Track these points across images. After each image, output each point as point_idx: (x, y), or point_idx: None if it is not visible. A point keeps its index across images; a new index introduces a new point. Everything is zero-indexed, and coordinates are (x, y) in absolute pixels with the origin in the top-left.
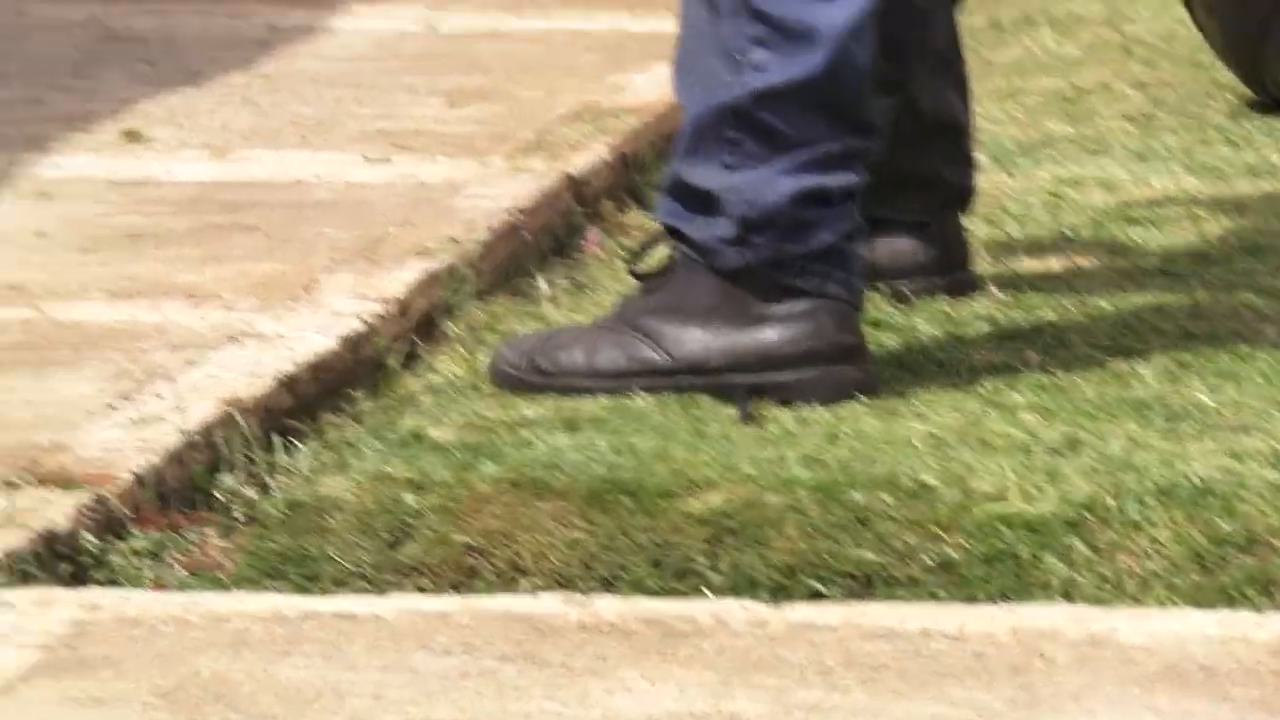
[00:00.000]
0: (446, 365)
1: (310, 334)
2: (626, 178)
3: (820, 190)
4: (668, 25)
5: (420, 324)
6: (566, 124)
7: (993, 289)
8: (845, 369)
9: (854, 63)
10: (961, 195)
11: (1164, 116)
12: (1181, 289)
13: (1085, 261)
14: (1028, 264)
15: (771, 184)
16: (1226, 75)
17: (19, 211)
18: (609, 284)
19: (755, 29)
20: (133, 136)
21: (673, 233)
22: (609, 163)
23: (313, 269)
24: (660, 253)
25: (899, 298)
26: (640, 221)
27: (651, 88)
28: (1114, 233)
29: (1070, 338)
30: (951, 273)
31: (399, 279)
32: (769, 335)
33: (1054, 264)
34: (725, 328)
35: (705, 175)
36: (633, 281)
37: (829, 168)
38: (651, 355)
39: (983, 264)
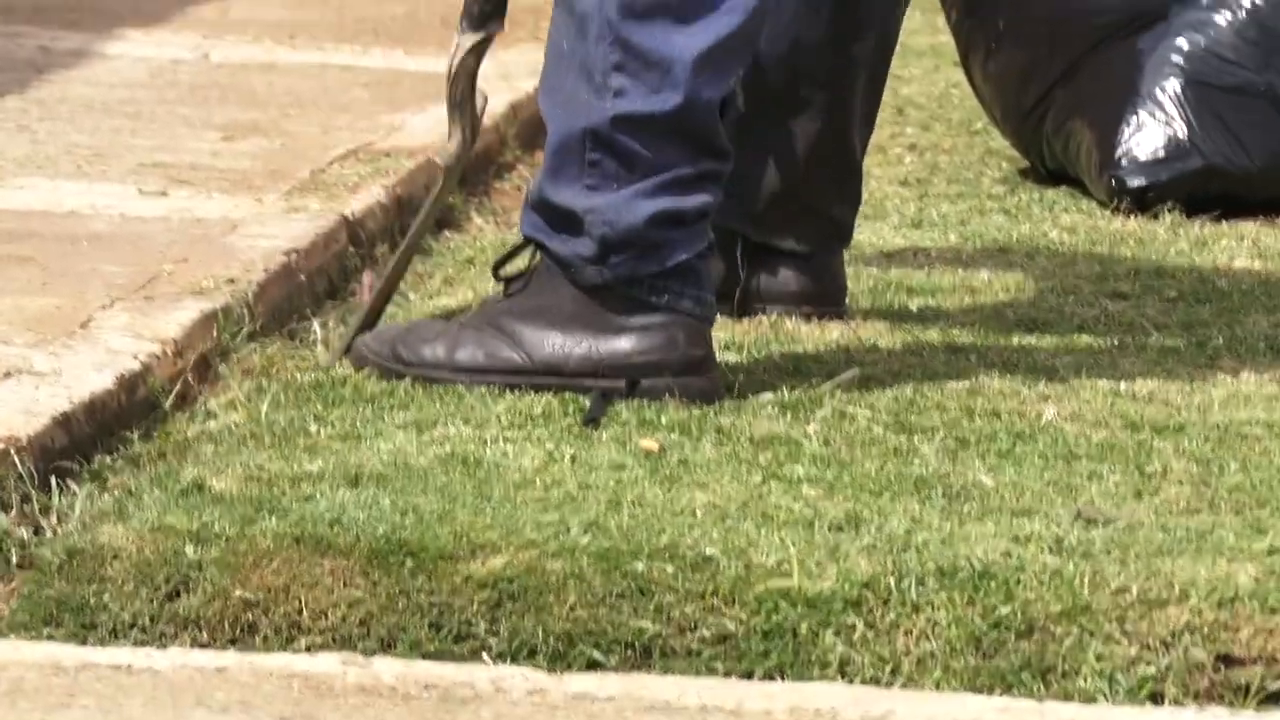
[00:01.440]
0: (224, 411)
1: (87, 372)
2: (401, 220)
3: (676, 212)
4: (443, 65)
5: (196, 365)
6: (342, 164)
7: (775, 357)
8: (693, 379)
9: (708, 92)
10: (844, 232)
11: (939, 183)
12: (961, 364)
13: (865, 332)
14: (808, 333)
15: (630, 206)
16: (1000, 142)
17: None
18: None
19: (617, 55)
20: None
21: (536, 244)
22: (384, 205)
23: (89, 305)
24: (523, 258)
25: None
26: (414, 264)
27: (426, 129)
28: (892, 303)
29: (850, 410)
30: (826, 304)
31: (175, 319)
32: (624, 345)
33: (834, 332)
34: (583, 335)
35: (567, 195)
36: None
37: (685, 190)
38: (511, 355)
39: (763, 332)
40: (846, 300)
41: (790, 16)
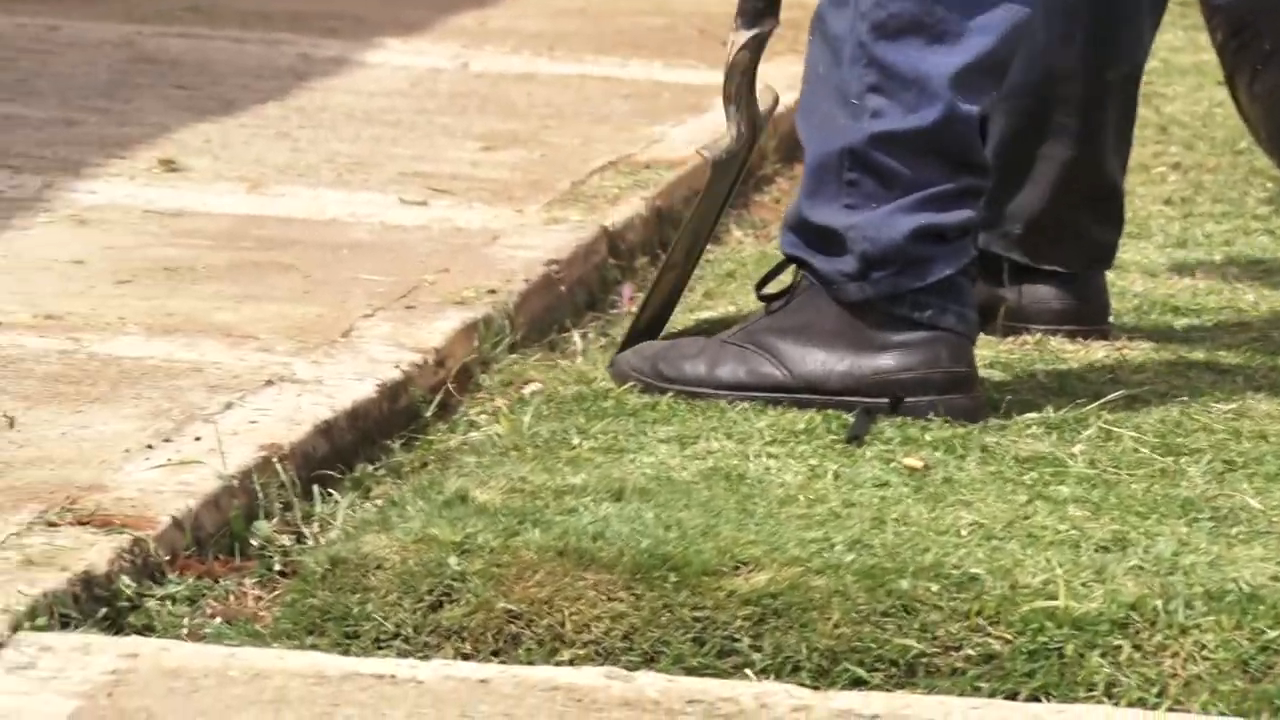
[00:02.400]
0: (486, 421)
1: (348, 380)
2: (661, 232)
3: (937, 227)
4: (700, 76)
5: (457, 375)
6: (602, 175)
7: (1040, 376)
8: (957, 397)
9: (966, 109)
10: (1106, 253)
11: (1203, 202)
12: (1228, 386)
13: (1130, 351)
14: (1071, 351)
15: (890, 222)
16: (1264, 162)
17: (56, 238)
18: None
19: (872, 76)
20: (169, 165)
21: (797, 261)
22: (644, 217)
23: (350, 314)
24: (784, 276)
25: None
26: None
27: (686, 141)
28: (1158, 322)
29: (1117, 431)
30: (1089, 323)
31: (437, 328)
32: (887, 362)
33: (1099, 352)
34: (846, 352)
35: (827, 214)
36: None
37: (944, 206)
38: (773, 372)
39: (1028, 351)
40: (1110, 319)
41: (1043, 45)
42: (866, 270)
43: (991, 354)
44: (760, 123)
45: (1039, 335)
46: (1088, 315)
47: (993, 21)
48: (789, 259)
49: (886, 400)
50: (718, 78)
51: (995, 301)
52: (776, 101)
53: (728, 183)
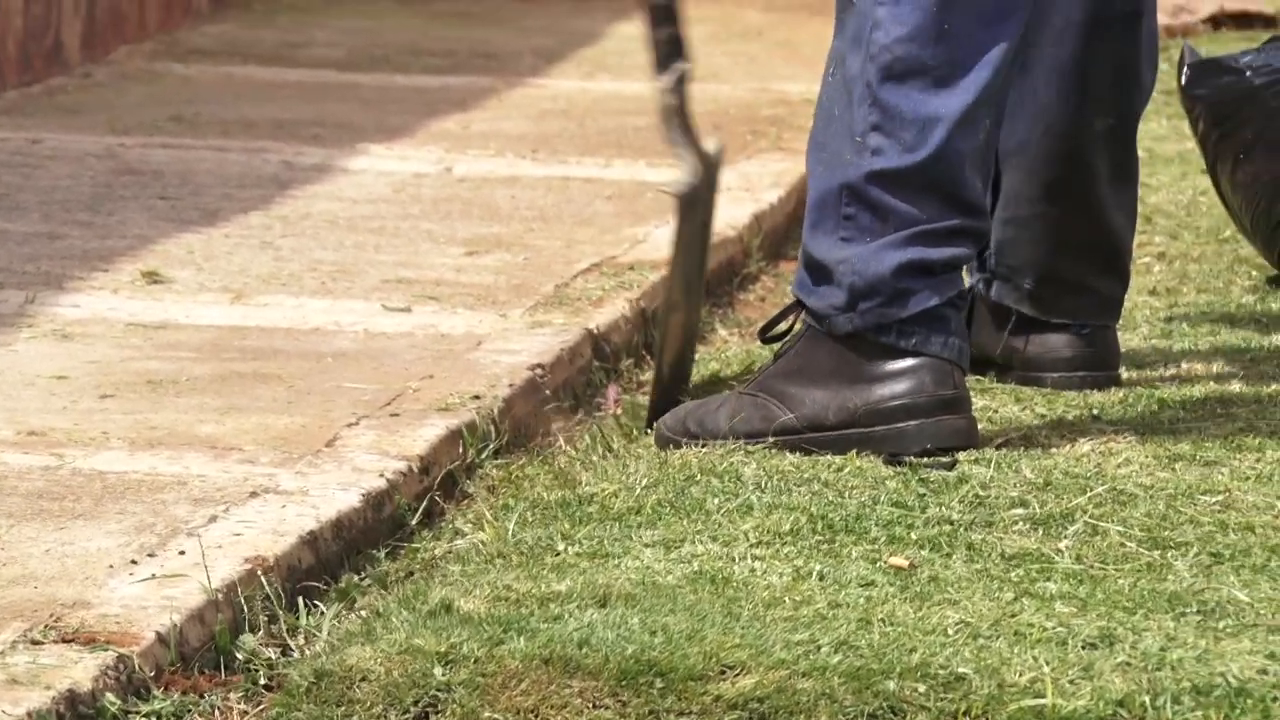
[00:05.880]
0: (471, 528)
1: (333, 490)
2: (645, 333)
3: (924, 262)
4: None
5: (442, 482)
6: (586, 277)
7: (1025, 471)
8: (946, 419)
9: (961, 149)
10: (1114, 306)
11: (1188, 292)
12: (1214, 477)
13: (1116, 444)
14: (1056, 443)
15: (878, 257)
16: (1249, 249)
17: (39, 352)
18: (627, 440)
19: (875, 115)
20: (152, 277)
21: (799, 304)
22: (628, 318)
23: (334, 423)
24: (788, 324)
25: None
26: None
27: (669, 242)
28: (1144, 414)
29: (1103, 526)
30: (1101, 370)
31: (421, 436)
32: (876, 392)
33: (1084, 445)
34: (840, 387)
35: (823, 248)
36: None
37: (934, 243)
38: (780, 415)
39: (1011, 443)
40: (1120, 369)
41: (1042, 103)
42: (854, 302)
43: (976, 450)
44: (712, 159)
45: (1049, 390)
46: (1099, 363)
47: (991, 58)
48: (795, 302)
49: (878, 432)
50: None
51: (1009, 353)
52: (721, 150)
53: (699, 217)
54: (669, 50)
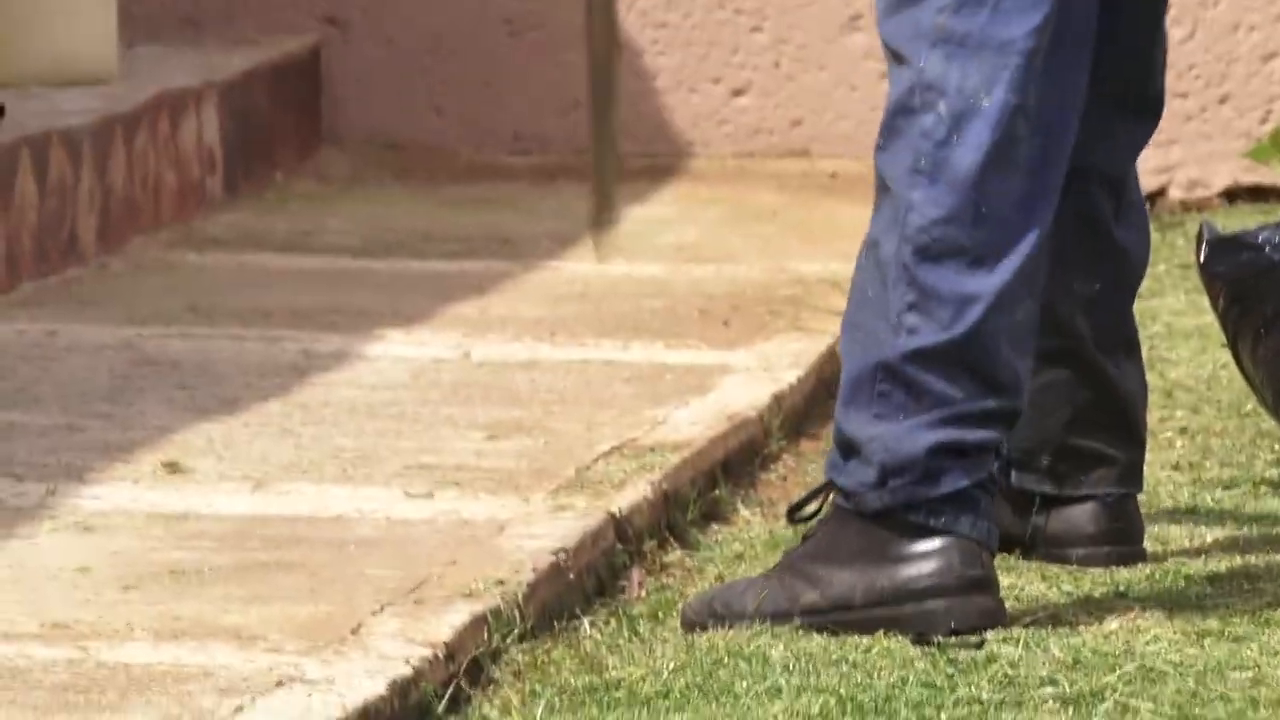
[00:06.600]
0: (498, 715)
1: (360, 679)
2: (669, 516)
3: (957, 444)
4: (702, 357)
5: (468, 668)
6: (607, 460)
7: (1053, 649)
8: (973, 599)
9: (999, 328)
10: (1133, 474)
11: (1211, 467)
12: (1244, 653)
13: (1143, 620)
14: (1084, 621)
15: (911, 436)
16: (1270, 424)
17: (61, 545)
18: (652, 624)
19: (912, 295)
20: (172, 468)
21: (829, 484)
22: (651, 501)
23: (358, 611)
24: (816, 505)
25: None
26: (682, 560)
27: (690, 423)
28: (1170, 590)
29: (1133, 703)
30: (1124, 544)
31: (446, 622)
32: (904, 572)
33: (1112, 623)
34: (868, 567)
35: (856, 425)
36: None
37: (967, 424)
38: (808, 595)
39: (1039, 621)
40: (1144, 542)
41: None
42: (885, 479)
43: (1003, 630)
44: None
45: (1073, 567)
46: (1123, 537)
47: (1027, 239)
48: (826, 483)
49: (904, 612)
50: (720, 358)
51: (1034, 533)
52: None
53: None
54: None
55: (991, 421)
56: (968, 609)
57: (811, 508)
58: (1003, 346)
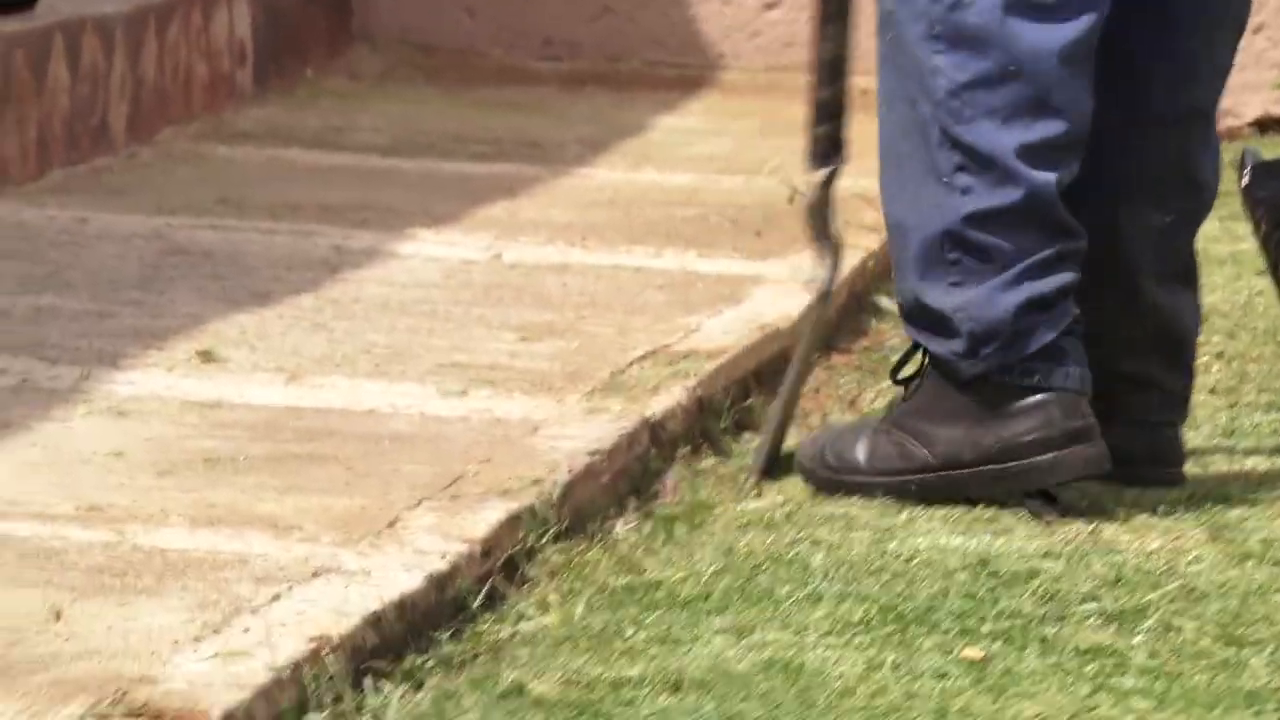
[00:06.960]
0: (535, 612)
1: (396, 572)
2: (702, 422)
3: (1039, 298)
4: (734, 267)
5: (503, 565)
6: (641, 365)
7: (1096, 566)
8: (1077, 449)
9: (1044, 176)
10: (1179, 403)
11: (1249, 391)
12: None
13: (1185, 541)
14: (1127, 542)
15: (992, 300)
16: None
17: (95, 429)
18: (688, 527)
19: (958, 156)
20: (206, 356)
21: (918, 345)
22: (685, 407)
23: (394, 505)
24: (915, 364)
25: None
26: (715, 467)
27: (723, 331)
28: (1211, 512)
29: (1176, 622)
30: (1162, 466)
31: (482, 518)
32: (1009, 430)
33: (1153, 542)
34: (973, 426)
35: (936, 295)
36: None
37: (1044, 273)
38: (918, 452)
39: (1080, 538)
40: (1183, 466)
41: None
42: (976, 348)
43: (1045, 543)
44: (839, 263)
45: (1094, 526)
46: (1164, 460)
47: (1067, 102)
48: (913, 342)
49: (1013, 469)
50: (752, 269)
51: None
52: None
53: (823, 311)
54: (826, 147)
55: (1063, 264)
56: (1073, 460)
57: (910, 369)
58: (1052, 192)
